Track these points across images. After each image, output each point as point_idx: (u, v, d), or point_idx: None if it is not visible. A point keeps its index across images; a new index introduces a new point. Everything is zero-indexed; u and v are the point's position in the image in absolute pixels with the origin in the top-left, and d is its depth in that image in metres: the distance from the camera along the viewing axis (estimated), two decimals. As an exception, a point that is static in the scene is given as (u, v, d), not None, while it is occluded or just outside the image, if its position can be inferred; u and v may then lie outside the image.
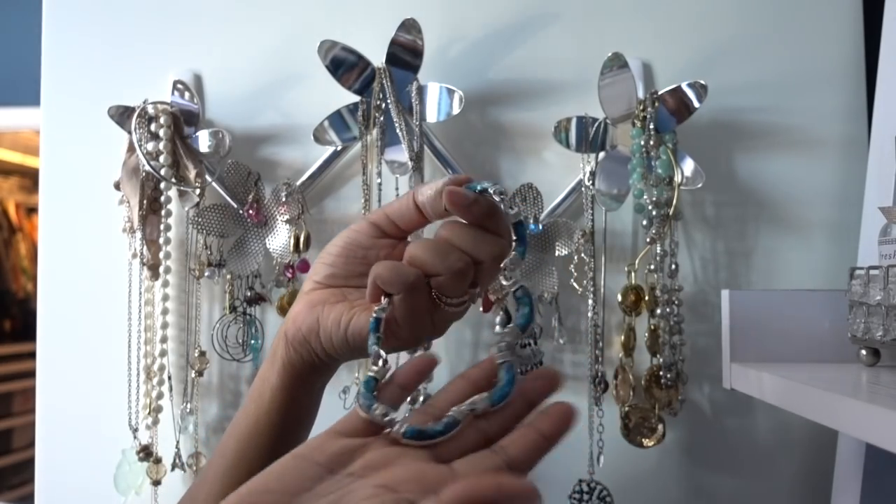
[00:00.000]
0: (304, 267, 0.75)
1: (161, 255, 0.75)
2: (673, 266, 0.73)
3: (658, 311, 0.73)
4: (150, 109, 0.74)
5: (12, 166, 2.71)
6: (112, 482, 0.75)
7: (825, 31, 0.79)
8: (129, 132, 0.73)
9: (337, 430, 0.38)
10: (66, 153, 0.80)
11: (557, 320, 0.75)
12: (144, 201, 0.74)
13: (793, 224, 0.79)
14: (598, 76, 0.72)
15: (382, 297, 0.43)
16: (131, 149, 0.74)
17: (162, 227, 0.75)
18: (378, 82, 0.74)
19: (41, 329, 0.80)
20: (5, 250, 2.67)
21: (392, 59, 0.74)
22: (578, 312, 0.77)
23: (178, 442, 0.76)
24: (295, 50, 0.79)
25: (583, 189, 0.75)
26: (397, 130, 0.74)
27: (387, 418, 0.37)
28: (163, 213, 0.75)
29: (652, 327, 0.74)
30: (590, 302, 0.75)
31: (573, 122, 0.75)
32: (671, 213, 0.72)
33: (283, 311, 0.75)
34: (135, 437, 0.75)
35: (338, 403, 0.75)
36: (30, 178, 2.78)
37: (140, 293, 0.75)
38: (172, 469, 0.76)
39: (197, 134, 0.75)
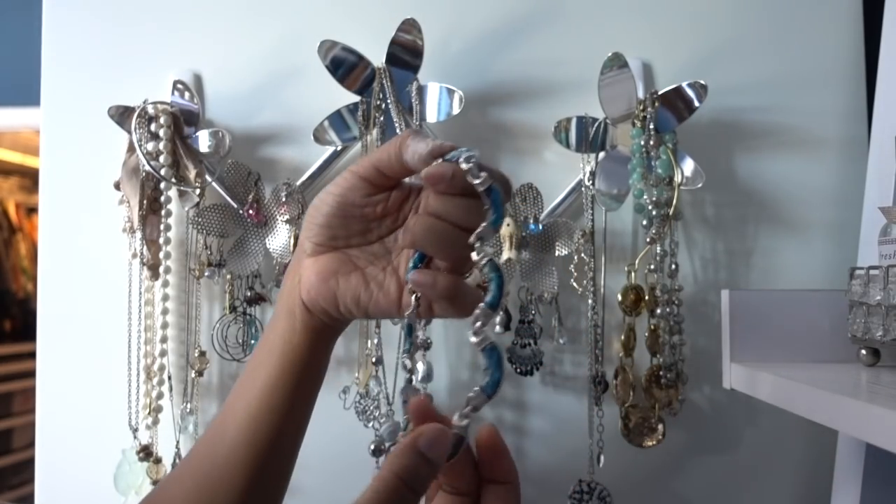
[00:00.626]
0: (304, 267, 0.75)
1: (161, 255, 0.75)
2: (673, 266, 0.73)
3: (658, 311, 0.73)
4: (150, 109, 0.74)
5: (12, 166, 2.71)
6: (112, 482, 0.75)
7: (825, 31, 0.79)
8: (129, 132, 0.73)
9: None
10: (66, 153, 0.80)
11: (557, 320, 0.75)
12: (144, 201, 0.74)
13: (793, 224, 0.79)
14: (598, 76, 0.72)
15: (413, 298, 0.45)
16: (131, 149, 0.74)
17: (162, 227, 0.75)
18: (378, 82, 0.74)
19: (41, 329, 0.80)
20: (5, 250, 2.67)
21: (392, 58, 0.74)
22: (578, 312, 0.77)
23: (178, 442, 0.76)
24: (295, 50, 0.79)
25: (583, 189, 0.75)
26: (397, 130, 0.74)
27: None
28: (163, 213, 0.75)
29: (652, 327, 0.74)
30: (590, 302, 0.75)
31: (573, 122, 0.75)
32: (671, 213, 0.72)
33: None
34: (135, 437, 0.75)
35: (338, 403, 0.75)
36: (30, 178, 2.78)
37: (140, 293, 0.75)
38: (172, 469, 0.76)
39: (197, 134, 0.75)
